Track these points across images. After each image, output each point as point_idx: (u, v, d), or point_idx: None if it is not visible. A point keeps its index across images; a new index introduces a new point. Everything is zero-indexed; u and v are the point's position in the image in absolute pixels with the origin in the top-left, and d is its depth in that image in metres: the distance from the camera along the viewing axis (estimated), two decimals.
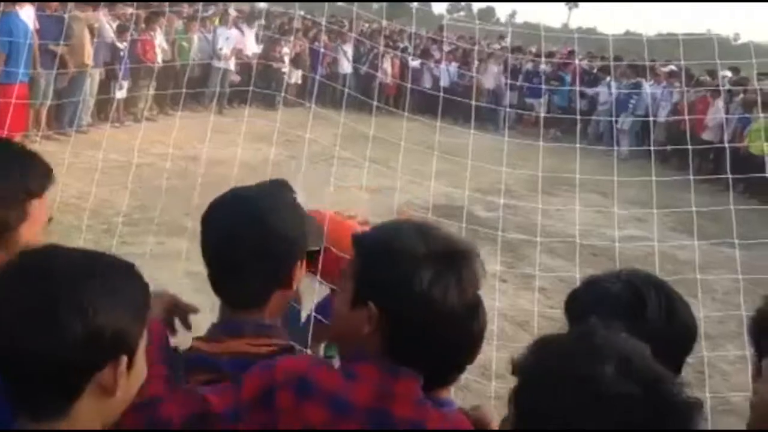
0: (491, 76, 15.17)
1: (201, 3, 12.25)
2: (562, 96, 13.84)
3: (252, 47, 13.66)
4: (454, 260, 1.31)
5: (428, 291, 1.26)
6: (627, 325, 1.30)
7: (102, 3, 9.61)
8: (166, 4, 11.80)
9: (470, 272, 1.33)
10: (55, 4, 9.00)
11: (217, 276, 1.46)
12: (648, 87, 13.06)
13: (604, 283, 1.44)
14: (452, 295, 1.28)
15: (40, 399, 1.05)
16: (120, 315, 1.06)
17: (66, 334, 1.01)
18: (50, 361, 1.02)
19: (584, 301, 1.44)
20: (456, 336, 1.32)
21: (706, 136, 11.62)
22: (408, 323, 1.27)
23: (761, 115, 10.21)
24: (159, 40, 11.50)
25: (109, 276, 1.08)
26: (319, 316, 2.62)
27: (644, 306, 1.35)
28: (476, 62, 14.18)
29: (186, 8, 13.04)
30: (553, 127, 12.25)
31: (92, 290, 1.05)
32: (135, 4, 8.96)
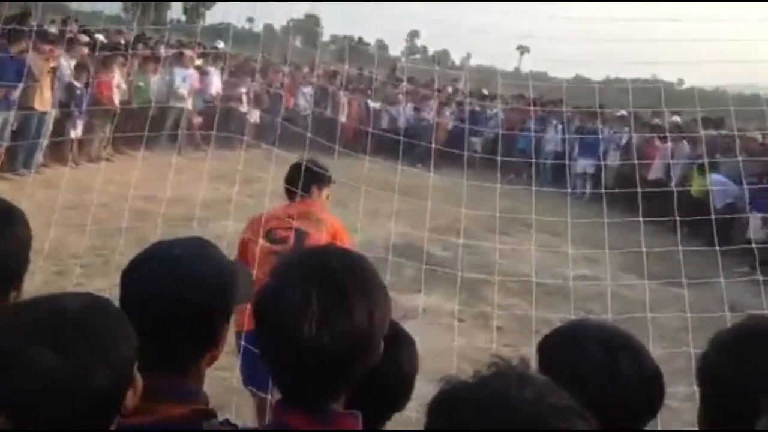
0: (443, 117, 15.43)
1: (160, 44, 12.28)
2: (526, 140, 14.11)
3: (217, 87, 13.78)
4: None
5: None
6: (601, 387, 1.35)
7: (60, 43, 9.57)
8: (125, 44, 11.82)
9: None
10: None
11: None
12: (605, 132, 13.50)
13: (582, 343, 1.44)
14: None
15: None
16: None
17: None
18: None
19: (560, 360, 1.42)
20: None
21: (651, 176, 11.99)
22: None
23: (705, 160, 10.61)
24: (117, 80, 11.47)
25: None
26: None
27: (618, 375, 1.38)
28: (434, 105, 14.42)
29: (143, 49, 13.08)
30: (510, 172, 12.49)
31: None
32: (94, 43, 8.91)
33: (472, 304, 6.40)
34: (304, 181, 3.90)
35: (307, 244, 3.63)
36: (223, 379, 4.01)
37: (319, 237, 3.70)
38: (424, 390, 1.70)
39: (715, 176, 10.74)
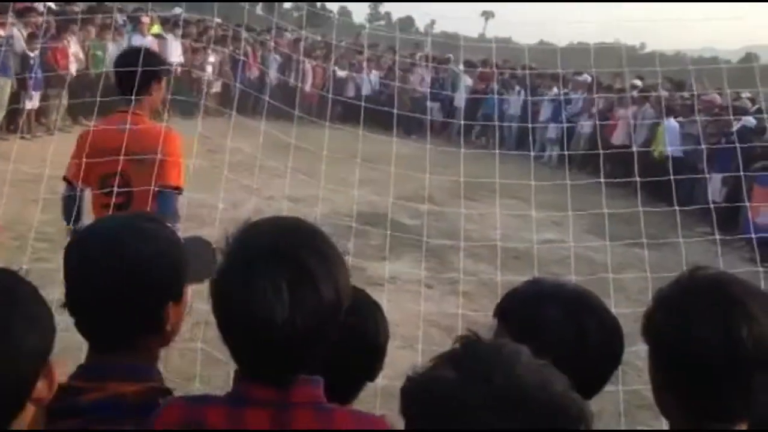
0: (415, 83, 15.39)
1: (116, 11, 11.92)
2: (489, 105, 14.08)
3: (177, 56, 13.45)
4: None
5: None
6: (566, 347, 1.29)
7: (10, 11, 9.25)
8: (79, 12, 11.46)
9: None
10: None
11: (77, 312, 1.30)
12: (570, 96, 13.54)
13: (543, 302, 1.41)
14: None
15: None
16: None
17: None
18: None
19: (521, 324, 1.38)
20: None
21: (615, 140, 12.11)
22: None
23: (664, 120, 10.75)
24: (74, 48, 11.14)
25: None
26: None
27: (583, 333, 1.36)
28: (398, 72, 14.31)
29: (99, 16, 12.72)
30: (479, 137, 12.54)
31: None
32: (46, 11, 8.62)
33: (439, 270, 6.43)
34: (145, 78, 3.30)
35: (133, 200, 3.39)
36: (191, 351, 3.97)
37: (148, 195, 3.32)
38: (392, 356, 1.69)
39: (671, 122, 10.88)
